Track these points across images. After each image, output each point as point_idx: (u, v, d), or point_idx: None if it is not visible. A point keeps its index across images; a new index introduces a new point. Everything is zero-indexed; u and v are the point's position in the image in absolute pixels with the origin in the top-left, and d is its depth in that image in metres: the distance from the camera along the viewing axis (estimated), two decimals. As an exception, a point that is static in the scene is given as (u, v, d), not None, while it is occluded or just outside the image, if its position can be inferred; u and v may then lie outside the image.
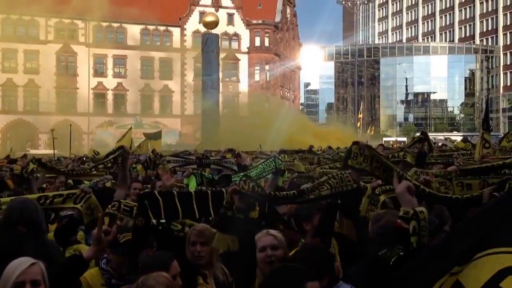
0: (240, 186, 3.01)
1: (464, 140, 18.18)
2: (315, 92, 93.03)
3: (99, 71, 56.70)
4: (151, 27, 57.83)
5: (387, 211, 3.67)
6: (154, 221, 3.50)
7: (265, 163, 6.19)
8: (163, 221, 3.63)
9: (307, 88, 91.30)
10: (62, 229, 4.63)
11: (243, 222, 2.98)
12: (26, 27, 54.10)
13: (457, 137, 41.59)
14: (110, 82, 56.80)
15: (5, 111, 52.91)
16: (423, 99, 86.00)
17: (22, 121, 53.62)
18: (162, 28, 58.43)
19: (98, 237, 3.01)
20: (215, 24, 38.18)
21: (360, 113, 65.05)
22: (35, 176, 6.71)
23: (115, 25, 56.56)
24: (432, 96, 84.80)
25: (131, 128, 21.50)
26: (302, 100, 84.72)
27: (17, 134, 53.12)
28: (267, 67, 61.34)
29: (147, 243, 3.75)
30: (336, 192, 3.23)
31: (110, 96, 56.89)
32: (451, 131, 70.82)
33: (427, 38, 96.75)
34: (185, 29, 59.06)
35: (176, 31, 58.95)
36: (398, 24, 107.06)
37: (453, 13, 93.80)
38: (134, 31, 57.17)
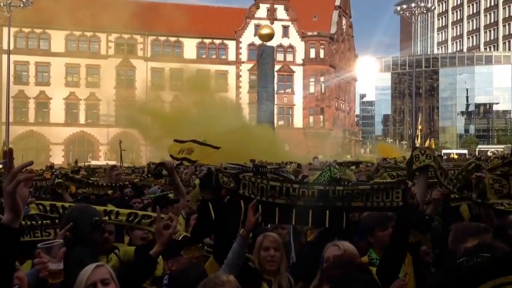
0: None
1: None
2: (371, 103, 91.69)
3: (156, 84, 57.94)
4: (207, 41, 58.73)
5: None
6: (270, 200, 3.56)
7: (322, 174, 6.16)
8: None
9: (363, 100, 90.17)
10: None
11: None
12: (88, 43, 56.20)
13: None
14: (167, 94, 57.86)
15: (68, 123, 54.98)
16: (485, 110, 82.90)
17: (84, 133, 55.52)
18: (218, 41, 59.21)
19: (159, 230, 3.17)
20: (270, 36, 38.10)
21: (419, 125, 63.23)
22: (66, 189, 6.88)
23: (172, 39, 57.81)
24: (495, 107, 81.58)
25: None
26: (357, 112, 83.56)
27: (79, 146, 55.09)
28: (322, 78, 60.80)
29: None
30: (375, 206, 3.27)
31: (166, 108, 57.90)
32: (516, 143, 67.66)
33: (489, 47, 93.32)
34: (241, 42, 59.61)
35: (231, 44, 59.58)
36: (458, 34, 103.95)
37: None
38: (190, 44, 58.18)
